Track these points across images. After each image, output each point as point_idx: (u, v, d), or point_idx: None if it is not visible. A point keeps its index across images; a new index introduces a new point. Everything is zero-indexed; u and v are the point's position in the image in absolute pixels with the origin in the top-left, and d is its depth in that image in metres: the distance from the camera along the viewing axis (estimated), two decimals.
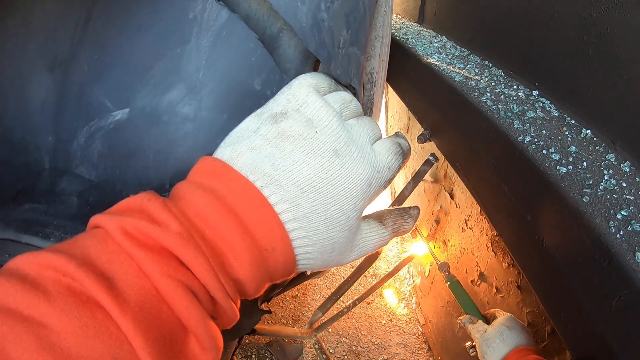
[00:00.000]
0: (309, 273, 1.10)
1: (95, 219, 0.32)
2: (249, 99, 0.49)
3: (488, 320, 1.03)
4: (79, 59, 0.50)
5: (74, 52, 0.50)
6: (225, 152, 0.37)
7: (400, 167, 0.42)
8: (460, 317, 1.08)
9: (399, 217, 0.43)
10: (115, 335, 0.27)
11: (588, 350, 0.52)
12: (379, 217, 0.43)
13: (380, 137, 0.42)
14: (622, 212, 0.51)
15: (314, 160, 0.36)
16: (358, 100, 0.44)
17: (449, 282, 1.26)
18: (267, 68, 0.48)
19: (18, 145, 0.52)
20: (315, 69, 0.52)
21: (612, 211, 0.51)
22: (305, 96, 0.38)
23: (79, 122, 0.50)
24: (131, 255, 0.30)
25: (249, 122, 0.39)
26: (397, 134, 0.44)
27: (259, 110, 0.40)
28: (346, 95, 0.42)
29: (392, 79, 1.11)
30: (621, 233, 0.48)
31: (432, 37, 1.15)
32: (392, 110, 2.30)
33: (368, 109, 0.65)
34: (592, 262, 0.50)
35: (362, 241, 0.40)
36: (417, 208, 0.45)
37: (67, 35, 0.50)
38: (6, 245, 0.49)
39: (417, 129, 1.75)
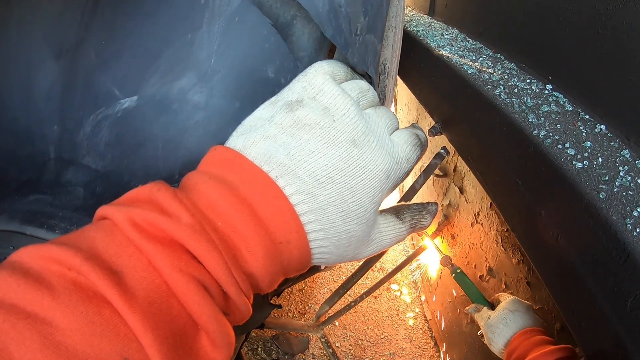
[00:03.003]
0: (323, 268, 1.09)
1: (103, 210, 0.31)
2: (262, 87, 0.47)
3: (494, 306, 1.03)
4: (86, 46, 0.49)
5: (81, 38, 0.49)
6: (238, 141, 0.36)
7: (418, 159, 0.41)
8: (466, 307, 1.08)
9: (417, 213, 0.42)
10: (123, 333, 0.26)
11: (601, 348, 0.52)
12: (396, 212, 0.41)
13: (398, 128, 0.41)
14: (639, 210, 0.50)
15: (332, 150, 0.35)
16: (375, 89, 0.43)
17: (454, 274, 1.26)
18: (280, 55, 0.47)
19: (23, 135, 0.51)
20: (329, 58, 0.51)
21: (628, 208, 0.50)
22: (322, 84, 0.37)
23: (86, 111, 0.49)
24: (140, 248, 0.29)
25: (263, 111, 0.38)
26: (414, 126, 0.43)
27: (273, 98, 0.39)
28: (363, 84, 0.41)
29: (403, 70, 1.10)
30: (638, 231, 0.47)
31: (443, 29, 1.14)
32: (401, 103, 2.29)
33: (381, 101, 0.64)
34: (608, 259, 0.49)
35: (378, 236, 0.39)
36: (436, 204, 0.44)
37: (74, 21, 0.49)
38: (10, 237, 0.48)
39: (427, 122, 1.74)
